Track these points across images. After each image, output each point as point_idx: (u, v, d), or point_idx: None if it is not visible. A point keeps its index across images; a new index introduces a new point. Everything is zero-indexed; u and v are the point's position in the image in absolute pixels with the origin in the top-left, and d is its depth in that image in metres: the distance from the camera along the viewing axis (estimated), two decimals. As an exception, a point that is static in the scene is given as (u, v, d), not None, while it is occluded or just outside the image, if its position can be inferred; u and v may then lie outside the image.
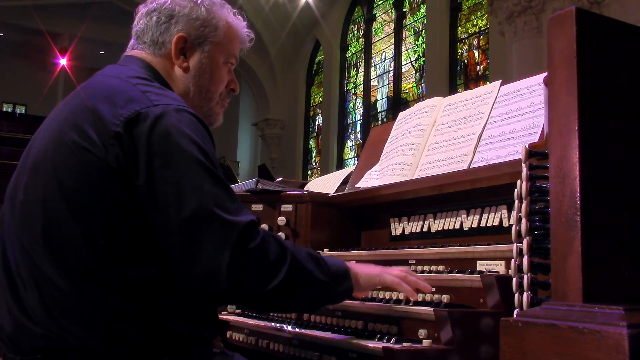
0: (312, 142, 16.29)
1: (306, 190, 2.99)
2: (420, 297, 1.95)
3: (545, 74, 1.35)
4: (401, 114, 2.83)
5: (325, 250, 2.70)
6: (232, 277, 1.56)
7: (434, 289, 1.93)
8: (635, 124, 1.21)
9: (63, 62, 19.18)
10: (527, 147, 1.43)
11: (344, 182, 3.07)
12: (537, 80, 2.19)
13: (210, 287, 1.61)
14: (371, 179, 2.77)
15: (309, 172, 15.93)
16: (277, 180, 3.46)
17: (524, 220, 1.39)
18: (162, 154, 1.58)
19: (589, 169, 1.15)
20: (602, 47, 1.21)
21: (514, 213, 1.48)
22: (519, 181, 1.45)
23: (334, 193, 2.96)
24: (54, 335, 1.58)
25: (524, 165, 1.41)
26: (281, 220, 2.84)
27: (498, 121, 2.25)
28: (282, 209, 2.89)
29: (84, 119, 1.65)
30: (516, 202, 1.46)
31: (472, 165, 2.23)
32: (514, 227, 1.46)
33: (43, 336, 1.59)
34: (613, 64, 1.22)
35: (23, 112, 21.14)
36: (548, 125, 1.26)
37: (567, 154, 1.16)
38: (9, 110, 21.42)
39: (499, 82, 2.38)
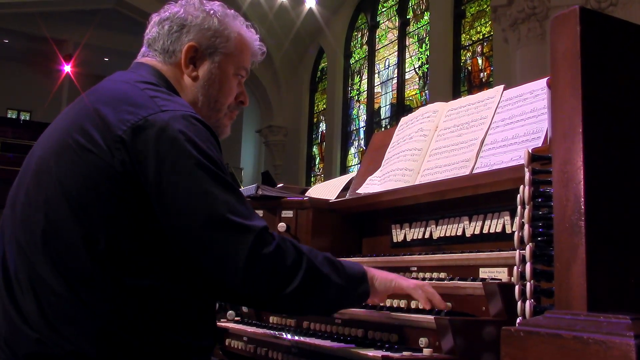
0: (315, 149, 16.27)
1: (307, 196, 2.96)
2: (421, 305, 1.92)
3: (549, 77, 1.31)
4: (403, 119, 2.80)
5: (326, 256, 2.66)
6: (249, 283, 1.56)
7: (449, 305, 1.89)
8: (641, 126, 1.17)
9: (67, 68, 19.22)
10: (530, 151, 1.40)
11: (346, 188, 3.04)
12: (540, 85, 2.15)
13: (227, 293, 1.64)
14: (372, 185, 2.73)
15: (312, 179, 15.89)
16: (278, 186, 3.43)
17: (526, 226, 1.35)
18: (170, 160, 1.57)
19: (594, 172, 1.11)
20: (606, 47, 1.17)
21: (516, 219, 1.44)
22: (521, 186, 1.42)
23: (335, 199, 2.93)
24: (49, 340, 1.56)
25: (526, 169, 1.38)
26: (281, 226, 2.81)
27: (501, 126, 2.22)
28: (282, 215, 2.86)
29: (89, 122, 1.65)
30: (519, 207, 1.42)
31: (475, 171, 2.19)
32: (516, 233, 1.43)
33: (37, 341, 1.57)
34: (618, 64, 1.18)
35: (28, 118, 21.18)
36: (551, 128, 1.23)
37: (571, 158, 1.13)
38: (14, 117, 21.46)
39: (501, 86, 2.35)
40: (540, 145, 1.98)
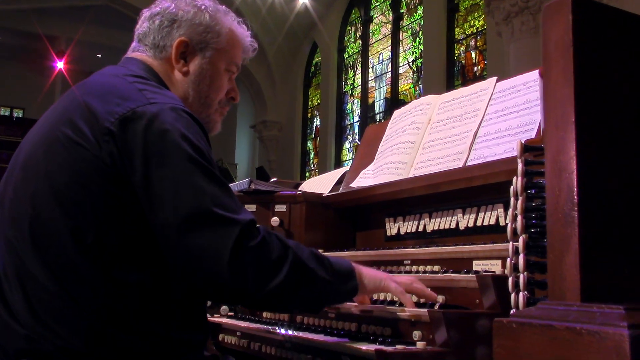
0: (310, 144, 16.25)
1: (300, 191, 2.94)
2: (415, 298, 1.91)
3: (542, 67, 1.30)
4: (396, 112, 2.79)
5: (319, 251, 2.65)
6: (233, 276, 1.53)
7: (440, 299, 1.88)
8: (634, 115, 1.16)
9: (60, 65, 19.11)
10: (523, 141, 1.39)
11: (339, 182, 3.03)
12: (533, 76, 2.14)
13: (211, 287, 1.59)
14: (366, 178, 2.72)
15: (307, 174, 15.87)
16: (271, 180, 3.42)
17: (519, 217, 1.34)
18: (158, 153, 1.56)
19: (587, 162, 1.10)
20: (599, 36, 1.16)
21: (510, 211, 1.43)
22: (514, 177, 1.40)
23: (328, 193, 2.91)
24: (38, 336, 1.55)
25: (519, 160, 1.36)
26: (275, 220, 2.80)
27: (494, 118, 2.21)
28: (275, 210, 2.84)
29: (77, 115, 1.63)
30: (512, 199, 1.41)
31: (468, 163, 2.18)
32: (509, 224, 1.41)
33: (27, 337, 1.55)
34: (611, 53, 1.17)
35: (20, 115, 21.07)
36: (544, 118, 1.21)
37: (563, 147, 1.11)
38: (7, 114, 21.36)
39: (494, 78, 2.34)
40: (533, 136, 1.97)
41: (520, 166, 1.36)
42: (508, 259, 1.42)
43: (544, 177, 1.28)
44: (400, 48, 12.99)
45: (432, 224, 2.36)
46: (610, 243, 1.08)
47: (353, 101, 14.63)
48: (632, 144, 1.17)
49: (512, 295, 1.37)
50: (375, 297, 2.06)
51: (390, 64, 13.22)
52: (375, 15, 14.05)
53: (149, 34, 1.89)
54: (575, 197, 1.07)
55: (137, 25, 1.94)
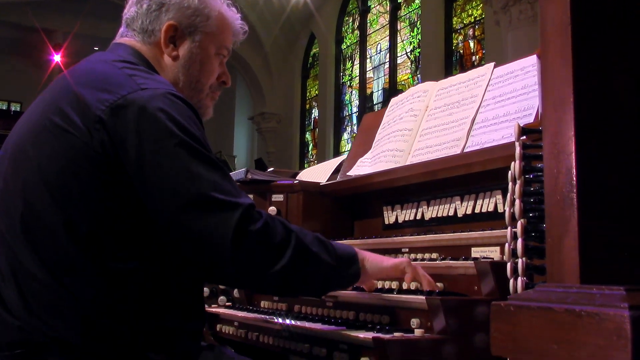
0: (308, 135, 16.23)
1: (297, 180, 2.92)
2: (413, 285, 1.89)
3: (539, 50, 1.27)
4: (393, 100, 2.77)
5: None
6: (236, 260, 1.52)
7: (440, 285, 1.87)
8: (635, 95, 1.14)
9: (57, 58, 19.03)
10: (520, 124, 1.36)
11: (337, 171, 3.01)
12: (531, 61, 2.12)
13: (214, 273, 1.60)
14: (363, 167, 2.70)
15: (305, 165, 15.86)
16: (269, 170, 3.39)
17: (517, 202, 1.32)
18: (152, 140, 1.53)
19: (586, 143, 1.07)
20: (599, 14, 1.13)
21: (508, 196, 1.41)
22: (512, 162, 1.38)
23: (326, 182, 2.89)
24: (32, 328, 1.53)
25: (517, 143, 1.34)
26: (272, 210, 2.78)
27: (492, 104, 2.18)
28: (272, 199, 2.82)
29: (66, 103, 1.60)
30: (510, 183, 1.39)
31: (466, 150, 2.16)
32: (507, 209, 1.40)
33: (20, 329, 1.53)
34: (611, 32, 1.14)
35: (18, 109, 21.02)
36: (542, 99, 1.19)
37: (561, 128, 1.09)
38: (4, 108, 21.31)
39: (492, 64, 2.32)
40: (532, 122, 1.95)
41: (518, 149, 1.34)
42: (506, 245, 1.40)
43: (542, 161, 1.26)
44: (398, 38, 12.95)
45: (430, 212, 2.34)
46: (610, 225, 1.06)
47: (351, 92, 14.60)
48: (632, 124, 1.15)
49: (511, 281, 1.35)
50: (371, 288, 2.04)
51: (388, 54, 13.18)
52: (372, 6, 14.00)
53: (137, 18, 1.86)
54: (574, 179, 1.05)
55: (125, 10, 1.90)
